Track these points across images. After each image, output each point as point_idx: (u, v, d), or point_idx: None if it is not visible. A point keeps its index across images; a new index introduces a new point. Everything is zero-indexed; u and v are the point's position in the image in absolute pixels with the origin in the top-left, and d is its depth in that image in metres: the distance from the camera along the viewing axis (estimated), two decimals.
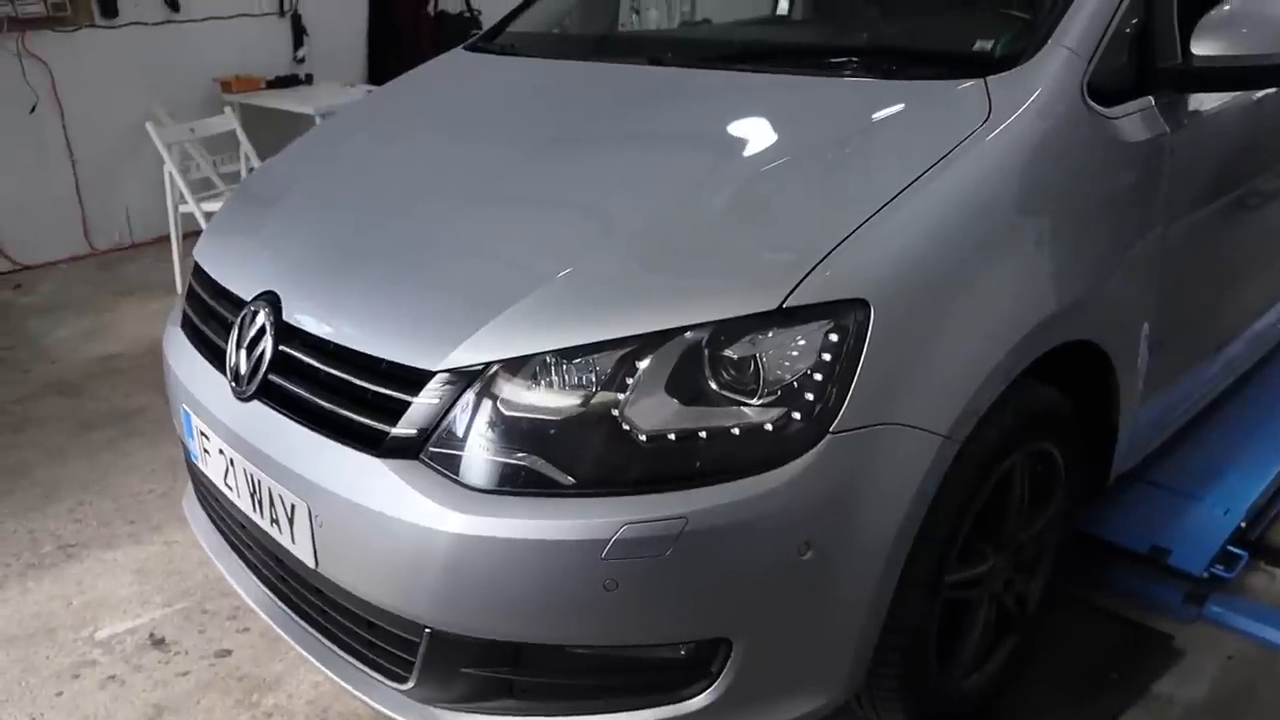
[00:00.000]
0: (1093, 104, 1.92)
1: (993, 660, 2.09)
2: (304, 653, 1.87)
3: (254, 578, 2.03)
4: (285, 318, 1.81)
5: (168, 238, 5.05)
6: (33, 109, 5.24)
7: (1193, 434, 2.82)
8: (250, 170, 5.05)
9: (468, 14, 6.58)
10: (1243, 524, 2.56)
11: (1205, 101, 2.20)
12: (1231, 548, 2.50)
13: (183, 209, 4.80)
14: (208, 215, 4.62)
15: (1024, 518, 2.01)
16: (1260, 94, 2.38)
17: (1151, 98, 2.07)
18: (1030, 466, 1.97)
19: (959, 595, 1.89)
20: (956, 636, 1.96)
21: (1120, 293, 2.05)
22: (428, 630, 1.60)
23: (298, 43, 6.04)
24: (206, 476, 2.03)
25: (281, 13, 5.98)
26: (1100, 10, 1.96)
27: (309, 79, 5.93)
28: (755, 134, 1.98)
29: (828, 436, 1.49)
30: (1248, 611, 2.39)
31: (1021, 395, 1.80)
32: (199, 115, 5.21)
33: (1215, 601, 2.40)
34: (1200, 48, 2.02)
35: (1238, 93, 2.27)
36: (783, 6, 3.64)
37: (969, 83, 1.86)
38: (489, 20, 6.45)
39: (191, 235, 4.87)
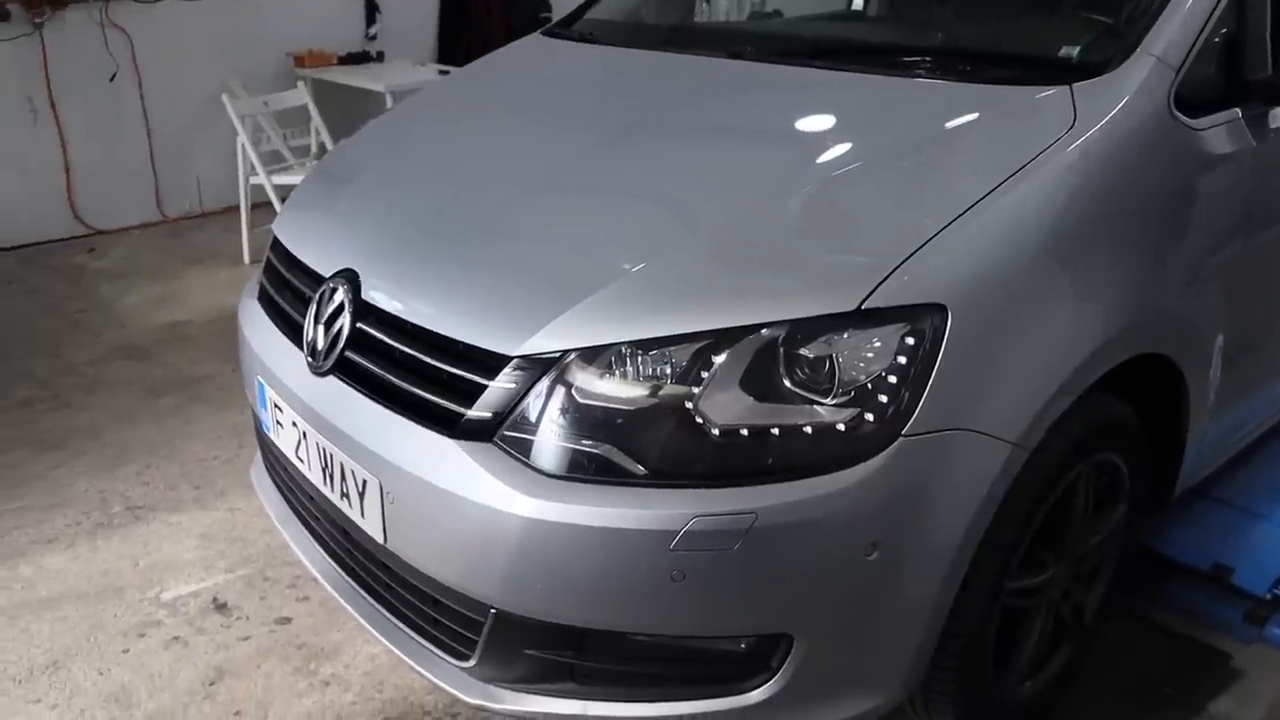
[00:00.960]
0: (1179, 115, 1.90)
1: (1047, 669, 2.08)
2: (366, 625, 1.90)
3: (319, 549, 2.07)
4: (363, 295, 1.84)
5: (236, 208, 5.15)
6: (112, 77, 5.36)
7: (1261, 450, 2.77)
8: (320, 145, 5.13)
9: None
10: None
11: None
12: None
13: (253, 180, 4.88)
14: (277, 188, 4.71)
15: (1086, 528, 2.00)
16: None
17: (1239, 110, 2.04)
18: (1095, 477, 1.96)
19: (1018, 603, 1.88)
20: (1013, 643, 1.95)
21: (1196, 306, 2.02)
22: (493, 610, 1.62)
23: (370, 20, 6.10)
24: (277, 447, 2.08)
25: None
26: (1192, 19, 1.92)
27: (380, 56, 6.00)
28: (835, 134, 1.97)
29: (899, 439, 1.49)
30: None
31: (1091, 406, 1.79)
32: (272, 89, 5.30)
33: (1277, 623, 2.36)
34: None
35: None
36: (857, 2, 3.62)
37: (1053, 89, 1.84)
38: (559, 4, 6.47)
39: (260, 206, 4.98)
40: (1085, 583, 2.11)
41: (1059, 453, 1.74)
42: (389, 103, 5.07)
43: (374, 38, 6.11)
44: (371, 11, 6.09)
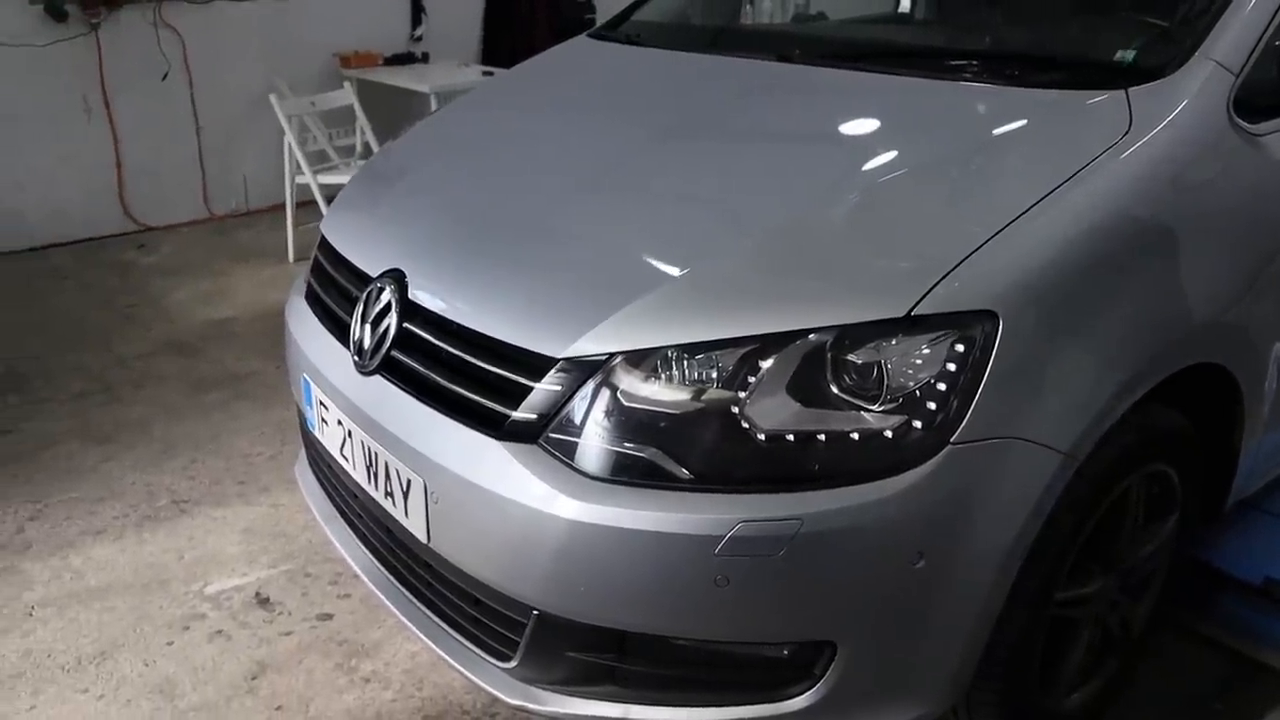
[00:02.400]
0: (1239, 120, 1.86)
1: (1093, 682, 2.05)
2: (407, 623, 1.91)
3: (362, 547, 2.09)
4: (410, 295, 1.85)
5: (282, 206, 5.20)
6: (164, 76, 5.44)
7: None
8: (365, 145, 5.17)
9: None
10: None
11: None
12: None
13: (298, 180, 4.93)
14: (322, 187, 4.75)
15: (1136, 540, 1.97)
16: None
17: None
18: (1147, 488, 1.93)
19: (1065, 613, 1.85)
20: (1059, 655, 1.92)
21: (1253, 316, 1.98)
22: (535, 612, 1.62)
23: (416, 21, 6.15)
24: (322, 445, 2.09)
25: None
26: (1253, 22, 1.88)
27: (425, 57, 6.04)
28: (883, 138, 1.96)
29: (948, 447, 1.47)
30: None
31: (1144, 416, 1.76)
32: (318, 89, 5.36)
33: None
34: None
35: None
36: (904, 4, 3.58)
37: (1109, 94, 1.81)
38: (604, 6, 6.48)
39: (304, 205, 5.03)
40: (1134, 595, 2.07)
41: (1110, 463, 1.71)
42: (434, 104, 5.09)
43: (419, 39, 6.15)
44: (417, 13, 6.13)
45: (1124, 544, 1.93)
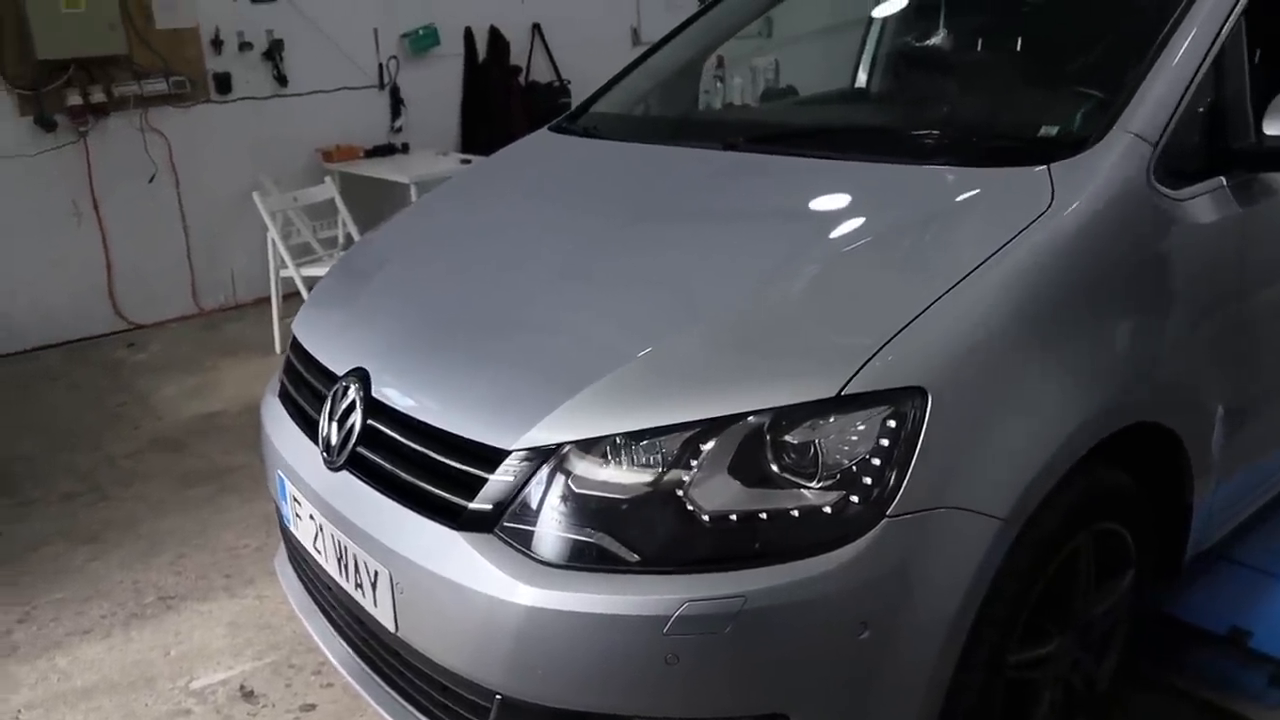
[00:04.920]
0: (1160, 187, 1.94)
1: None
2: (382, 711, 1.95)
3: (338, 637, 2.13)
4: (374, 393, 1.92)
5: (268, 298, 5.30)
6: (152, 179, 5.58)
7: (1277, 511, 2.76)
8: (348, 236, 5.28)
9: (557, 84, 6.80)
10: None
11: (1279, 179, 2.20)
12: None
13: (283, 273, 5.04)
14: (306, 279, 4.85)
15: (1091, 598, 2.00)
16: None
17: (1224, 178, 2.08)
18: (1097, 546, 1.97)
19: (1023, 675, 1.88)
20: (1023, 716, 1.95)
21: (1191, 374, 2.05)
22: (498, 696, 1.67)
23: (395, 113, 6.32)
24: (298, 539, 2.15)
25: (381, 85, 6.27)
26: (1168, 94, 1.98)
27: (405, 148, 6.19)
28: (822, 221, 2.04)
29: (885, 520, 1.53)
30: None
31: (1086, 477, 1.82)
32: (302, 182, 5.49)
33: None
34: (1273, 128, 2.04)
35: None
36: (860, 79, 3.72)
37: (1032, 169, 1.90)
38: (578, 89, 6.66)
39: (291, 297, 5.13)
40: (1096, 652, 2.11)
41: (1053, 525, 1.76)
42: (413, 193, 5.22)
43: (400, 130, 6.32)
44: (396, 105, 6.30)
45: (1079, 603, 1.97)
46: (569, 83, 6.83)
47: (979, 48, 2.98)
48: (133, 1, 5.32)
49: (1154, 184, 1.94)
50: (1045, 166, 1.90)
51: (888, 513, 1.53)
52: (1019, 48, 2.79)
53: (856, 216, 2.00)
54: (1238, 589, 2.54)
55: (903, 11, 3.54)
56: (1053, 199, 1.83)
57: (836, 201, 2.09)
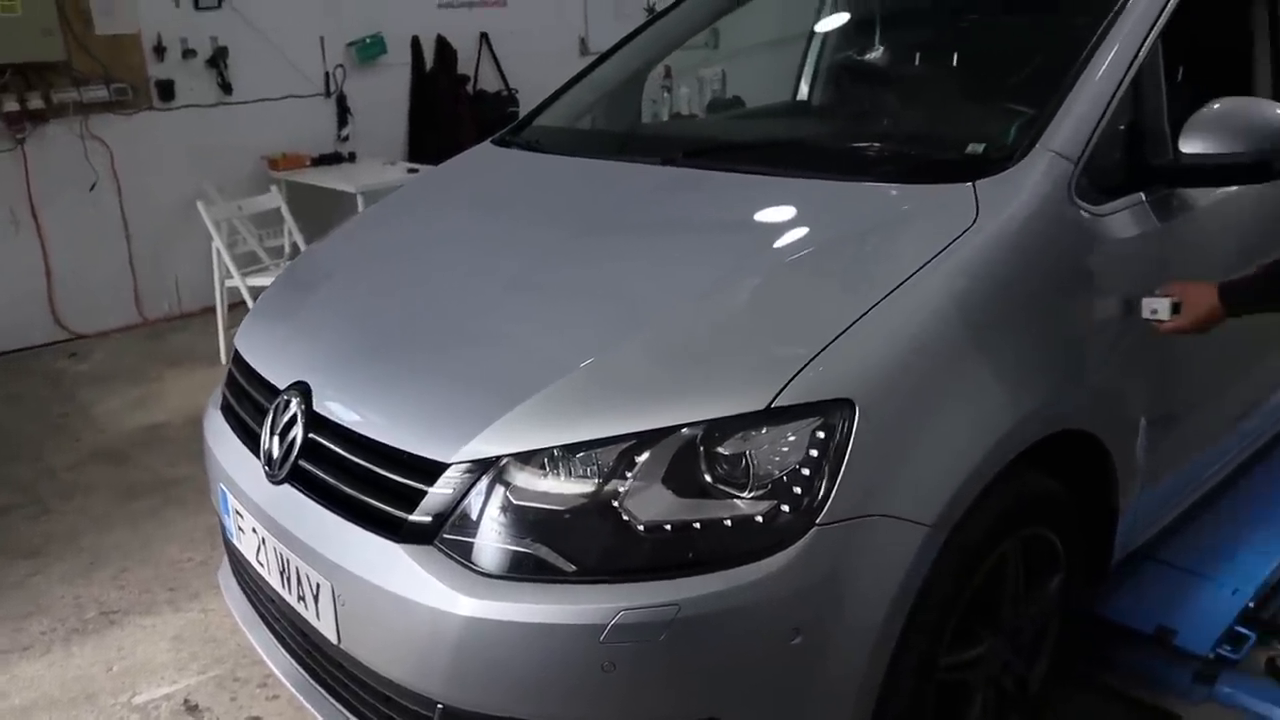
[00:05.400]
0: (1081, 203, 2.01)
1: None
2: None
3: (282, 649, 2.14)
4: (316, 407, 1.93)
5: (213, 308, 5.26)
6: (92, 187, 5.51)
7: (1203, 512, 2.85)
8: (294, 246, 5.26)
9: (505, 93, 6.81)
10: (1251, 604, 2.57)
11: (1196, 194, 2.28)
12: (1239, 628, 2.51)
13: (228, 283, 5.00)
14: (251, 289, 4.82)
15: (1021, 601, 2.07)
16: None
17: (1143, 194, 2.16)
18: (1025, 550, 2.03)
19: (955, 678, 1.94)
20: (956, 718, 2.01)
21: (1114, 382, 2.12)
22: (440, 706, 1.69)
23: (342, 122, 6.29)
24: (240, 552, 2.15)
25: (328, 94, 6.24)
26: (1088, 114, 2.05)
27: (352, 157, 6.17)
28: (759, 237, 2.10)
29: (815, 528, 1.57)
30: (1258, 692, 2.40)
31: (1013, 484, 1.87)
32: (248, 191, 5.46)
33: (1225, 682, 2.41)
34: (1189, 145, 2.12)
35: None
36: (802, 91, 3.79)
37: (959, 186, 1.97)
38: (526, 98, 6.68)
39: (236, 306, 5.09)
40: (1027, 653, 2.17)
41: (981, 531, 1.82)
42: (360, 203, 5.21)
43: (346, 139, 6.29)
44: (344, 114, 6.28)
45: (1008, 606, 2.03)
46: (517, 92, 6.84)
47: (913, 65, 3.06)
48: (71, 6, 5.25)
49: (1075, 200, 2.01)
50: (971, 183, 1.96)
51: (817, 521, 1.58)
52: (951, 66, 2.87)
53: (791, 232, 2.05)
54: (1163, 589, 2.62)
55: (841, 28, 3.61)
56: (978, 215, 1.89)
57: (773, 217, 2.14)
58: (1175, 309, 2.05)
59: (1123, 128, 2.17)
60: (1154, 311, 2.07)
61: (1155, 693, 2.46)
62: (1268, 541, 2.79)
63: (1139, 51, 2.13)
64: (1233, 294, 2.04)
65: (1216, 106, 2.12)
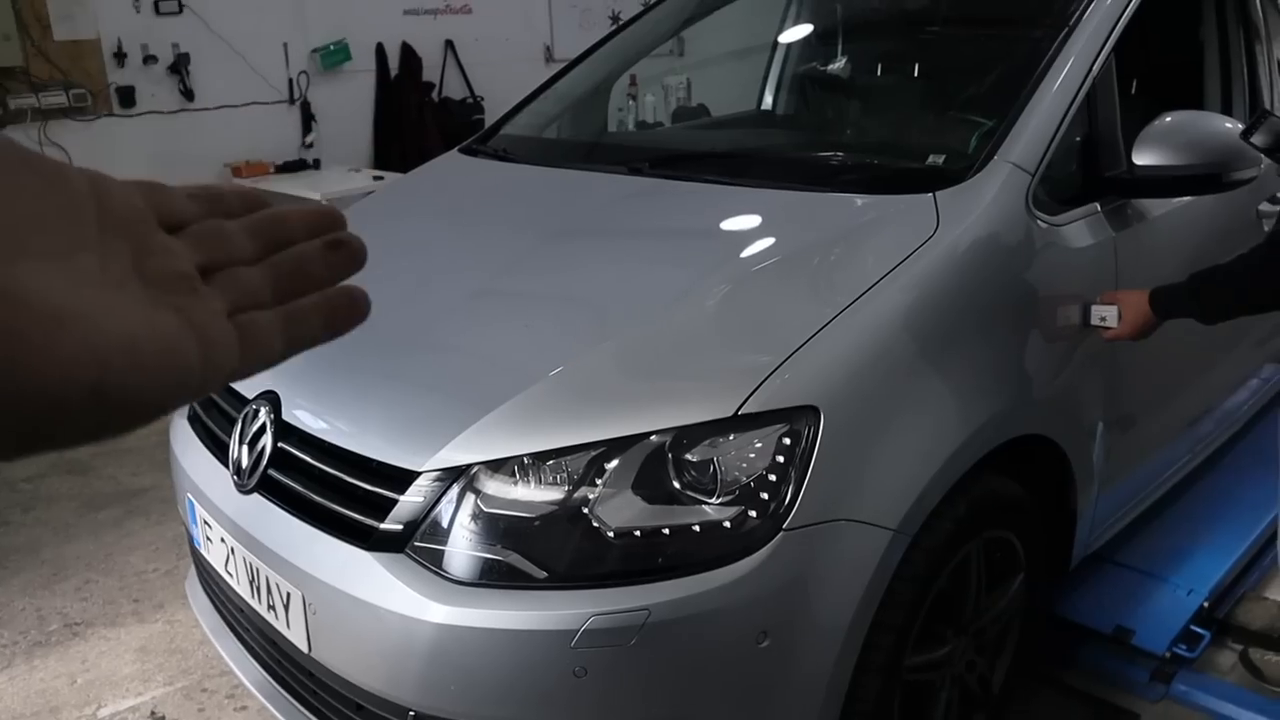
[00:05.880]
0: (1038, 214, 2.07)
1: None
2: None
3: (251, 659, 2.13)
4: (284, 416, 1.94)
5: None
6: None
7: (1159, 514, 2.92)
8: None
9: (470, 100, 6.81)
10: (1206, 603, 2.64)
11: (1149, 205, 2.35)
12: (1195, 627, 2.58)
13: None
14: None
15: (983, 602, 2.11)
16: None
17: (1098, 204, 2.22)
18: (988, 553, 2.08)
19: (920, 678, 1.98)
20: (920, 718, 2.04)
21: (1071, 389, 2.18)
22: (412, 714, 1.69)
23: (306, 129, 6.25)
24: (208, 562, 2.15)
25: (291, 101, 6.21)
26: (1043, 127, 2.11)
27: (316, 164, 6.14)
28: (726, 246, 2.12)
29: (781, 533, 1.60)
30: (1213, 689, 2.47)
31: (975, 487, 1.92)
32: None
33: (1181, 680, 2.48)
34: (1141, 157, 2.17)
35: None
36: (766, 101, 3.84)
37: (920, 196, 2.01)
38: (491, 106, 6.68)
39: None
40: (990, 653, 2.21)
41: (944, 534, 1.86)
42: None
43: (311, 145, 6.26)
44: (308, 120, 6.24)
45: (971, 608, 2.08)
46: (482, 99, 6.84)
47: (875, 75, 3.11)
48: (28, 11, 5.19)
49: (1032, 210, 2.06)
50: (932, 194, 2.00)
51: (784, 526, 1.61)
52: (912, 77, 2.93)
53: (758, 241, 2.08)
54: (1121, 591, 2.68)
55: (805, 38, 3.66)
56: (938, 225, 1.94)
57: (740, 226, 2.17)
58: (1121, 316, 2.11)
59: (1078, 139, 2.23)
60: (1102, 319, 2.13)
61: (1114, 691, 2.52)
62: (1220, 544, 2.87)
63: (1093, 65, 2.20)
64: (1161, 300, 2.10)
65: (1168, 119, 2.18)
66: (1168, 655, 2.50)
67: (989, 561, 2.09)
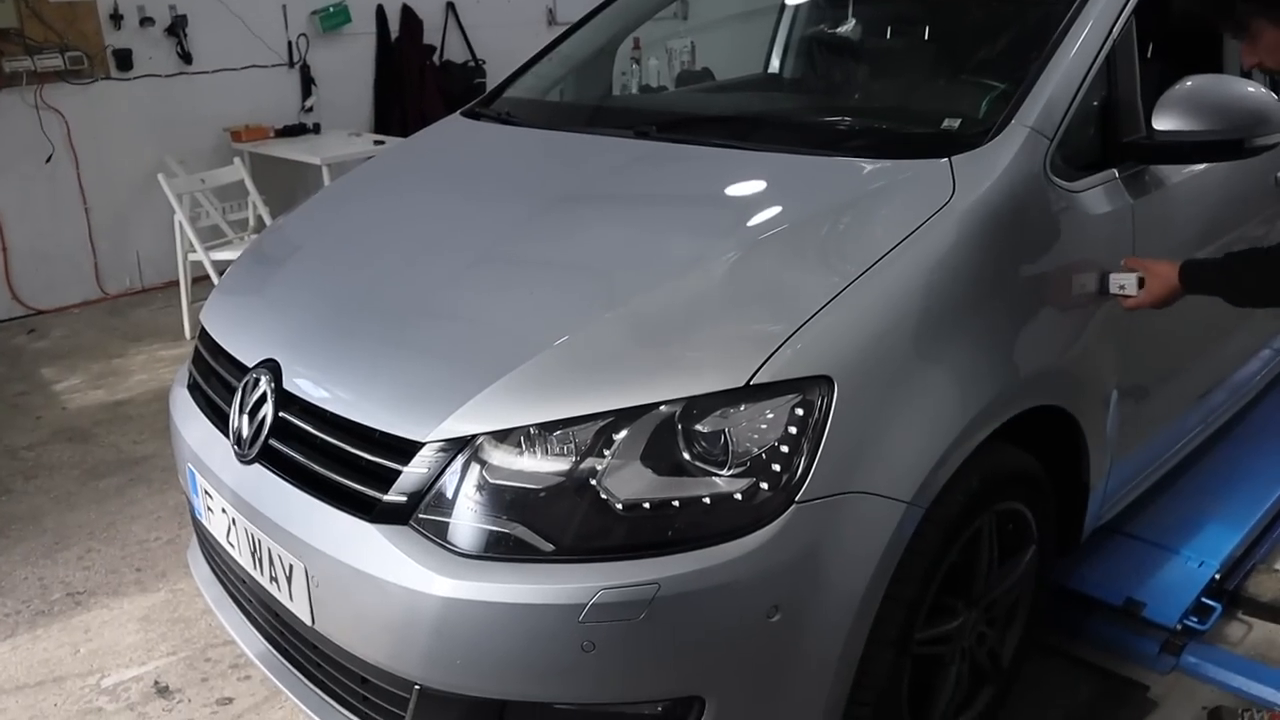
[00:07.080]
0: (1055, 179, 2.02)
1: (968, 713, 2.15)
2: (299, 704, 1.94)
3: (253, 630, 2.11)
4: (285, 385, 1.90)
5: (177, 282, 5.17)
6: (48, 158, 5.38)
7: (1170, 486, 2.89)
8: (259, 219, 5.18)
9: (472, 64, 6.73)
10: (1217, 575, 2.61)
11: (1167, 171, 2.29)
12: (1205, 599, 2.55)
13: (191, 257, 4.92)
14: (215, 263, 4.75)
15: (995, 575, 2.08)
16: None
17: (1115, 170, 2.17)
18: (1000, 525, 2.05)
19: (930, 651, 1.95)
20: (930, 691, 2.02)
21: (1086, 358, 2.13)
22: (417, 687, 1.67)
23: (306, 93, 6.18)
24: (210, 532, 2.12)
25: (291, 64, 6.13)
26: (1062, 90, 2.05)
27: (316, 128, 6.07)
28: (735, 212, 2.08)
29: (794, 505, 1.57)
30: (1223, 662, 2.44)
31: (989, 459, 1.88)
32: (210, 163, 5.36)
33: (1191, 652, 2.45)
34: (1161, 122, 2.12)
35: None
36: (773, 64, 3.77)
37: (935, 161, 1.96)
38: (493, 69, 6.60)
39: (200, 281, 5.01)
40: (1000, 626, 2.19)
41: (957, 506, 1.82)
42: (326, 175, 5.13)
43: (310, 110, 6.19)
44: (307, 84, 6.17)
45: (982, 580, 2.05)
46: (484, 63, 6.76)
47: (887, 38, 3.04)
48: None
49: (1050, 176, 2.01)
50: (947, 159, 1.95)
51: (796, 499, 1.57)
52: (925, 39, 2.86)
53: (768, 207, 2.03)
54: (1132, 562, 2.65)
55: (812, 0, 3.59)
56: (954, 190, 1.89)
57: (749, 192, 2.12)
58: (1141, 284, 2.07)
59: (1096, 104, 2.17)
60: (1121, 287, 2.09)
61: (1124, 663, 2.50)
62: (1232, 516, 2.83)
63: (1114, 27, 2.14)
64: (1193, 275, 2.06)
65: (1189, 84, 2.12)
66: (1178, 627, 2.47)
67: (1000, 534, 2.06)
